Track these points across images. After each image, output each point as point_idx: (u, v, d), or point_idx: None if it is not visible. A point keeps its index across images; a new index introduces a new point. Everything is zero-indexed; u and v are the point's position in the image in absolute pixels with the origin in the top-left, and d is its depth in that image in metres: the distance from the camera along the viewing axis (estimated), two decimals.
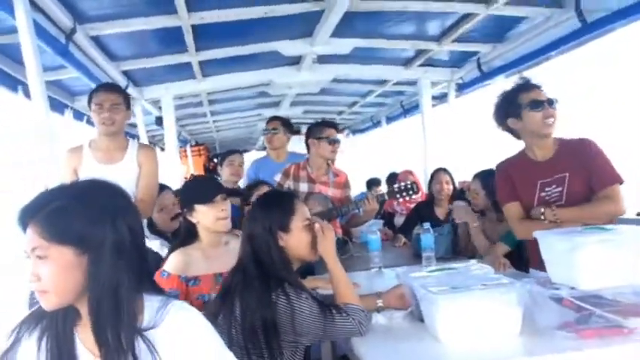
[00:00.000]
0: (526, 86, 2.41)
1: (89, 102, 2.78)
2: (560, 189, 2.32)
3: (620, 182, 2.25)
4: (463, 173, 5.00)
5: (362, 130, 9.50)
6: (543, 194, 2.36)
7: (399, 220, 5.10)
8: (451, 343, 1.58)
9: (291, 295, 1.66)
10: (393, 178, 6.32)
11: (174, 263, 2.13)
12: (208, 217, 2.18)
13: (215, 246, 2.23)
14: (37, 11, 2.62)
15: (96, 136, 2.85)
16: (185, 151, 9.75)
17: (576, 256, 1.48)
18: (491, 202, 3.15)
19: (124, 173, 2.75)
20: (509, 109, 2.41)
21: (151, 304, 1.22)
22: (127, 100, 2.85)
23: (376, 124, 8.40)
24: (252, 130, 9.34)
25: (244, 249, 1.83)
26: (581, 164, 2.28)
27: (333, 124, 3.61)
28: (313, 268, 2.74)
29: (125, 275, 1.17)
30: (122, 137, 2.88)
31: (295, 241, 1.84)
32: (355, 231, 4.13)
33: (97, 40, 3.44)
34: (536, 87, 2.40)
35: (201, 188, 2.25)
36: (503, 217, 3.13)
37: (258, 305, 1.65)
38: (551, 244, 1.64)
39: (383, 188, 6.10)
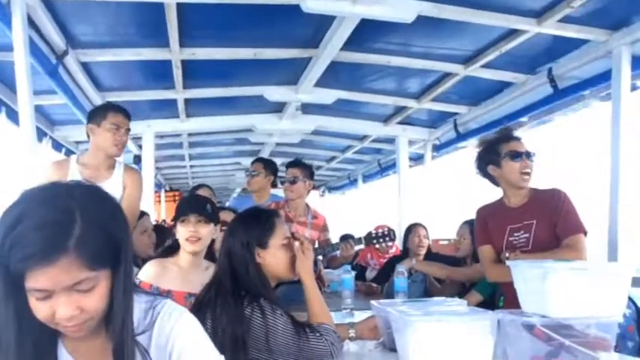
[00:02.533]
0: (508, 136, 2.54)
1: (99, 118, 2.74)
2: (527, 235, 2.39)
3: (584, 232, 2.33)
4: (436, 232, 5.08)
5: (338, 188, 9.59)
6: (511, 239, 2.43)
7: (370, 275, 5.09)
8: None
9: (266, 310, 1.64)
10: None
11: (148, 271, 2.10)
12: (180, 234, 2.18)
13: (193, 266, 2.21)
14: (32, 28, 2.65)
15: (86, 153, 2.84)
16: (159, 195, 9.65)
17: (547, 283, 1.51)
18: (475, 250, 3.19)
19: (111, 193, 2.72)
20: (490, 157, 2.51)
21: (138, 305, 1.13)
22: None
23: (353, 182, 8.50)
24: (229, 180, 9.32)
25: (221, 264, 1.82)
26: (549, 213, 2.36)
27: (290, 164, 3.68)
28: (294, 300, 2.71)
29: (131, 279, 1.11)
30: (112, 158, 2.88)
31: (273, 258, 1.83)
32: (327, 280, 4.11)
33: (86, 67, 3.48)
34: (517, 138, 2.53)
35: (183, 204, 2.25)
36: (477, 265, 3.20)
37: (229, 321, 1.63)
38: (522, 272, 1.67)
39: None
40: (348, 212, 9.24)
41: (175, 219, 2.21)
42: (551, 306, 1.52)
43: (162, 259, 2.21)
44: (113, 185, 2.78)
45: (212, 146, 6.51)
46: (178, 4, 2.73)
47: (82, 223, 0.95)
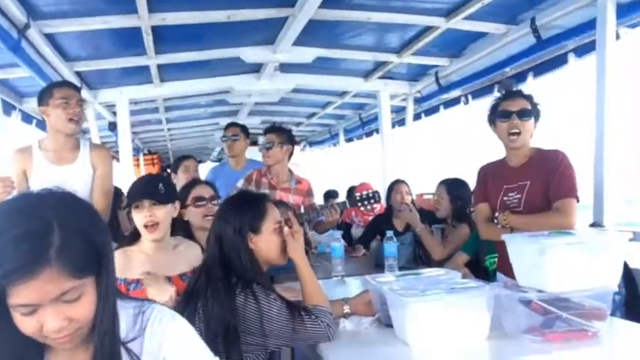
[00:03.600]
0: (503, 95, 2.46)
1: (46, 97, 2.61)
2: (519, 196, 2.35)
3: (575, 197, 2.27)
4: (421, 187, 5.09)
5: (319, 143, 9.52)
6: (505, 199, 2.39)
7: (356, 232, 5.12)
8: (420, 347, 1.57)
9: (259, 295, 1.61)
10: (352, 191, 6.36)
11: None
12: (136, 221, 2.05)
13: (160, 249, 2.09)
14: None
15: (47, 136, 2.71)
16: (138, 159, 9.49)
17: (544, 259, 1.50)
18: (454, 210, 3.21)
19: (78, 175, 2.63)
20: (490, 116, 2.47)
21: (125, 311, 1.10)
22: (83, 99, 2.77)
23: (334, 136, 8.43)
24: (208, 140, 9.19)
25: (211, 250, 1.77)
26: (544, 174, 2.31)
27: (268, 129, 3.55)
28: (272, 277, 2.68)
29: (114, 284, 1.08)
30: (75, 138, 2.75)
31: (265, 243, 1.80)
32: (314, 241, 4.10)
33: (51, 38, 3.29)
34: (510, 96, 2.42)
35: (133, 189, 2.11)
36: (459, 225, 3.22)
37: (220, 310, 1.60)
38: (519, 247, 1.66)
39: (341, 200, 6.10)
40: (332, 167, 9.23)
41: (128, 205, 2.08)
42: (548, 281, 1.51)
43: (125, 248, 2.08)
44: (81, 166, 2.67)
45: (189, 109, 6.36)
46: None
47: (61, 232, 0.92)
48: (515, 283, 1.66)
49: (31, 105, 4.57)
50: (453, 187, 3.36)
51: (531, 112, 2.35)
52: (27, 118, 4.78)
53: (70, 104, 2.62)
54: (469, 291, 1.58)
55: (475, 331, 1.58)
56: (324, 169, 9.40)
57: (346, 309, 1.93)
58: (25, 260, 0.88)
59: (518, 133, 2.35)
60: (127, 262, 2.04)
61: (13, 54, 2.88)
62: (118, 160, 5.10)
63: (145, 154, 9.93)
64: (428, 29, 3.83)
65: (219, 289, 1.63)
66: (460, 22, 3.59)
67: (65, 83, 2.80)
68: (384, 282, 1.81)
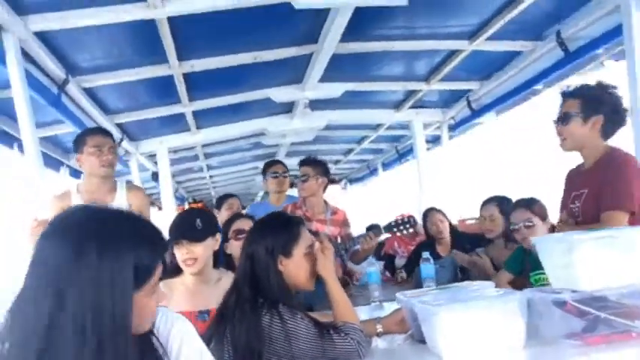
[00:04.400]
0: None
1: (80, 145, 2.79)
2: (579, 204, 2.23)
3: (620, 209, 2.05)
4: (461, 212, 5.00)
5: (360, 180, 9.52)
6: (572, 206, 2.28)
7: (399, 262, 5.03)
8: (453, 359, 1.51)
9: (284, 315, 1.61)
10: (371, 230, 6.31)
11: None
12: (177, 256, 2.11)
13: (201, 283, 2.14)
14: (29, 62, 2.67)
15: (83, 181, 2.86)
16: (183, 208, 9.73)
17: (573, 256, 1.44)
18: (507, 228, 3.05)
19: None
20: None
21: None
22: (116, 145, 2.97)
23: (373, 171, 8.43)
24: (250, 185, 9.36)
25: (242, 268, 1.78)
26: (601, 181, 2.14)
27: (301, 162, 3.60)
28: (311, 306, 2.67)
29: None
30: (112, 179, 2.89)
31: (295, 267, 1.80)
32: (357, 272, 4.06)
33: (90, 92, 3.49)
34: (562, 98, 2.33)
35: (173, 226, 2.16)
36: (511, 245, 3.09)
37: (246, 333, 1.60)
38: (548, 248, 1.60)
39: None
40: (372, 202, 9.18)
41: (170, 242, 2.13)
42: (580, 279, 1.45)
43: (168, 280, 2.14)
44: (118, 205, 2.78)
45: (227, 154, 6.52)
46: (170, 19, 2.70)
47: None
48: (549, 287, 1.59)
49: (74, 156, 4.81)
50: (504, 203, 3.22)
51: (571, 114, 2.21)
52: (75, 173, 5.00)
53: (102, 151, 2.79)
54: (500, 297, 1.53)
55: (510, 338, 1.52)
56: (365, 205, 9.35)
57: (379, 328, 1.90)
58: None
59: (563, 139, 2.28)
60: (168, 294, 2.08)
61: (55, 108, 3.06)
62: (160, 208, 5.26)
63: (189, 203, 10.18)
64: (453, 53, 3.84)
65: (246, 311, 1.64)
66: (483, 44, 3.59)
67: (97, 130, 2.94)
68: (415, 296, 1.77)
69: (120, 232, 1.03)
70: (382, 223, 4.45)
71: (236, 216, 2.92)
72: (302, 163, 3.57)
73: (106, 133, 2.92)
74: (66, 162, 4.75)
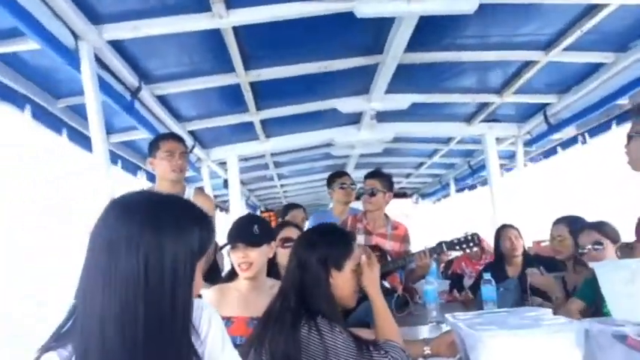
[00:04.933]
0: None
1: (154, 150, 2.90)
2: None
3: None
4: (535, 234, 4.72)
5: (431, 195, 9.30)
6: None
7: (468, 282, 4.83)
8: None
9: (322, 328, 1.57)
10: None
11: (207, 299, 2.08)
12: (232, 260, 2.14)
13: (254, 289, 2.15)
14: (103, 69, 2.82)
15: (154, 185, 2.96)
16: None
17: (636, 285, 1.30)
18: (575, 251, 2.87)
19: None
20: None
21: None
22: (188, 150, 3.06)
23: (445, 186, 8.21)
24: (320, 197, 9.38)
25: (291, 275, 1.76)
26: None
27: (367, 175, 3.55)
28: (368, 324, 2.60)
29: None
30: (182, 184, 2.99)
31: (343, 282, 1.77)
32: (419, 291, 3.93)
33: (162, 100, 3.63)
34: (634, 117, 2.19)
35: (231, 230, 2.19)
36: (579, 269, 2.88)
37: (284, 342, 1.57)
38: (609, 276, 1.45)
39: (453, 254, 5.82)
40: (443, 219, 8.93)
41: (227, 244, 2.17)
42: None
43: (222, 284, 2.18)
44: None
45: (297, 164, 6.57)
46: (235, 28, 2.76)
47: None
48: (610, 318, 1.44)
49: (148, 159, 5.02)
50: (574, 224, 3.00)
51: (633, 134, 2.07)
52: (151, 177, 5.22)
53: (174, 156, 2.88)
54: (554, 326, 1.40)
55: None
56: (435, 221, 9.11)
57: (427, 350, 1.81)
58: None
59: (629, 159, 2.11)
60: (221, 299, 2.12)
61: (128, 114, 3.21)
62: (227, 211, 5.39)
63: (262, 212, 10.36)
64: (528, 64, 3.66)
65: (286, 321, 1.61)
66: (560, 54, 3.39)
67: (170, 136, 3.06)
68: (464, 318, 1.67)
69: (187, 211, 1.13)
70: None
71: (284, 224, 2.93)
72: (369, 176, 3.51)
73: (179, 138, 3.03)
74: (143, 166, 4.96)
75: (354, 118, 4.75)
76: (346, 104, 4.23)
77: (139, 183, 5.03)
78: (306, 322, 1.59)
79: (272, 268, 2.44)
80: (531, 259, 3.76)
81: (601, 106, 3.90)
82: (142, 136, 4.13)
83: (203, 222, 1.12)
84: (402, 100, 4.16)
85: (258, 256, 2.13)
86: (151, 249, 1.02)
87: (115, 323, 0.99)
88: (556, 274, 3.20)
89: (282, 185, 7.95)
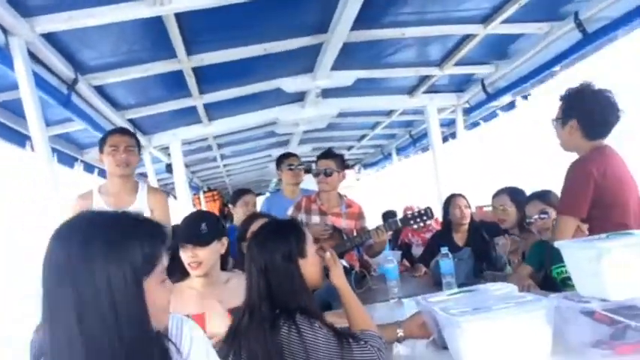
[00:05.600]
0: None
1: (101, 145, 2.83)
2: None
3: (561, 213, 2.23)
4: (478, 200, 4.92)
5: (373, 164, 9.45)
6: None
7: (417, 251, 4.99)
8: None
9: (302, 326, 1.57)
10: (386, 216, 6.31)
11: None
12: (183, 260, 2.10)
13: (209, 285, 2.13)
14: (37, 63, 2.64)
15: (106, 181, 2.88)
16: (198, 197, 9.77)
17: (602, 265, 1.38)
18: (520, 218, 3.05)
19: None
20: None
21: None
22: (138, 144, 2.94)
23: (387, 156, 8.35)
24: (264, 173, 9.34)
25: (256, 284, 1.71)
26: None
27: (321, 155, 3.55)
28: (330, 304, 2.64)
29: None
30: (133, 180, 2.93)
31: (310, 266, 1.77)
32: (373, 263, 4.03)
33: (100, 90, 3.46)
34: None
35: (178, 230, 2.16)
36: (525, 235, 3.05)
37: (264, 347, 1.56)
38: (574, 254, 1.54)
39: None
40: (387, 188, 9.12)
41: (175, 244, 2.13)
42: (609, 289, 1.39)
43: (176, 283, 2.14)
44: (139, 207, 2.80)
45: (241, 144, 6.49)
46: (177, 15, 2.65)
47: None
48: (575, 293, 1.53)
49: (91, 155, 4.82)
50: (515, 194, 3.20)
51: (553, 119, 2.33)
52: (89, 167, 5.02)
53: (118, 150, 2.80)
54: (526, 305, 1.48)
55: (536, 347, 1.47)
56: (379, 190, 9.30)
57: (400, 332, 1.86)
58: None
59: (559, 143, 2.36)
60: (178, 298, 2.07)
61: (65, 108, 3.04)
62: (175, 197, 5.28)
63: (204, 192, 10.20)
64: (467, 37, 3.74)
65: (264, 328, 1.59)
66: (499, 27, 3.48)
67: (116, 131, 2.97)
68: (436, 302, 1.73)
69: (122, 228, 1.09)
70: (399, 212, 4.44)
71: (254, 216, 2.90)
72: (323, 157, 3.50)
73: (124, 132, 2.95)
74: (80, 157, 4.76)
75: (298, 97, 4.71)
76: (291, 84, 4.18)
77: (76, 175, 4.84)
78: (285, 322, 1.58)
79: (226, 261, 2.42)
80: (477, 226, 3.92)
81: (536, 74, 4.05)
82: (78, 127, 3.94)
83: (143, 235, 1.10)
84: (347, 77, 4.16)
85: (208, 254, 2.11)
86: (80, 275, 1.01)
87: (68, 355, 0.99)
88: (498, 239, 3.39)
89: (225, 165, 7.83)
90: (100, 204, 2.77)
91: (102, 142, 2.86)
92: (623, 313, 1.39)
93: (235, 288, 2.14)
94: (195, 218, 2.24)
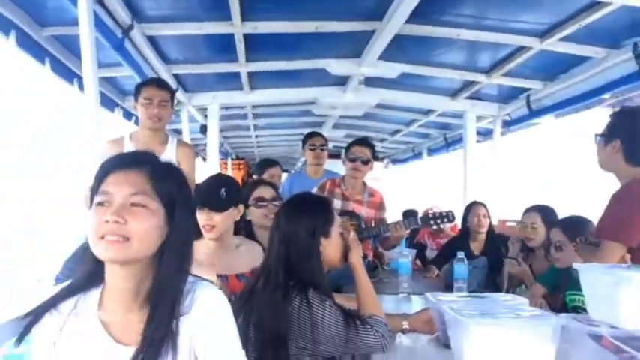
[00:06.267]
0: None
1: (136, 94, 2.86)
2: None
3: (605, 238, 2.04)
4: (503, 212, 4.88)
5: (402, 161, 9.42)
6: None
7: (430, 254, 4.99)
8: None
9: (313, 302, 1.61)
10: (407, 214, 6.29)
11: None
12: (199, 221, 2.12)
13: (220, 248, 2.16)
14: (98, 4, 2.70)
15: (138, 129, 2.91)
16: (226, 163, 9.88)
17: (619, 291, 1.39)
18: (546, 239, 3.00)
19: None
20: None
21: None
22: (173, 98, 2.93)
23: (417, 155, 8.32)
24: (293, 150, 9.38)
25: (275, 251, 1.74)
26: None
27: (361, 142, 3.51)
28: (340, 285, 2.67)
29: (190, 251, 1.22)
30: (163, 133, 2.95)
31: (333, 247, 1.80)
32: (387, 256, 4.05)
33: (152, 41, 3.51)
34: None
35: (198, 192, 2.18)
36: (550, 257, 3.01)
37: (273, 317, 1.60)
38: (593, 277, 1.54)
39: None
40: (413, 185, 9.07)
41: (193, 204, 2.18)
42: (622, 316, 1.39)
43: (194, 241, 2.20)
44: (167, 159, 2.83)
45: (276, 117, 6.53)
46: None
47: (155, 164, 1.21)
48: (586, 316, 1.54)
49: (132, 103, 4.90)
50: (548, 213, 3.12)
51: (597, 135, 2.21)
52: (128, 115, 5.10)
53: (152, 104, 2.81)
54: (534, 318, 1.49)
55: None
56: (405, 186, 9.24)
57: (405, 325, 1.89)
58: (123, 161, 1.16)
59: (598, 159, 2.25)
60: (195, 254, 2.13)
61: (117, 53, 3.11)
62: (205, 159, 5.36)
63: (232, 159, 10.31)
64: (520, 49, 3.69)
65: (277, 296, 1.63)
66: (555, 44, 3.43)
67: (152, 82, 2.95)
68: (445, 300, 1.75)
69: None
70: (420, 212, 4.44)
71: (258, 182, 2.91)
72: (361, 144, 3.50)
73: (161, 85, 2.92)
74: (121, 103, 4.85)
75: (341, 80, 4.72)
76: (336, 66, 4.18)
77: (115, 120, 4.94)
78: (298, 295, 1.62)
79: (245, 227, 2.46)
80: (494, 238, 3.91)
81: (584, 99, 3.98)
82: (123, 73, 4.01)
83: None
84: (393, 69, 4.15)
85: (223, 219, 2.14)
86: None
87: None
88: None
89: (256, 136, 7.90)
90: (130, 150, 2.82)
91: (137, 91, 2.86)
92: (631, 343, 1.39)
93: (245, 253, 2.20)
94: (215, 183, 2.26)
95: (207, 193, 2.18)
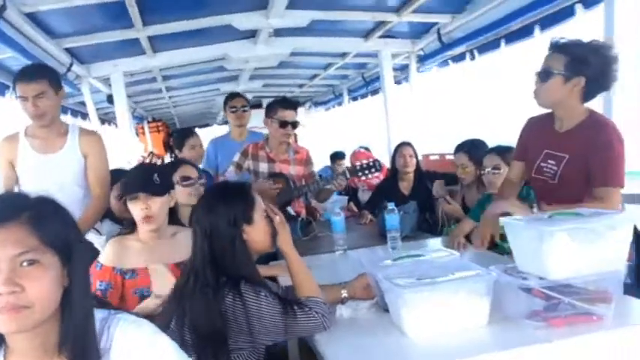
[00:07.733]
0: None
1: (14, 90, 2.52)
2: (556, 168, 2.13)
3: (619, 186, 1.99)
4: (425, 147, 4.99)
5: (324, 103, 9.36)
6: (543, 165, 2.17)
7: (363, 196, 5.05)
8: (417, 336, 1.52)
9: (246, 295, 1.55)
10: (334, 158, 6.37)
11: (108, 254, 1.99)
12: (133, 212, 2.02)
13: (156, 239, 2.07)
14: None
15: (31, 124, 2.61)
16: (142, 127, 9.45)
17: (544, 246, 1.42)
18: (479, 175, 3.10)
19: (65, 163, 2.55)
20: None
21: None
22: (54, 82, 2.51)
23: (338, 96, 8.28)
24: (211, 105, 9.09)
25: (199, 248, 1.66)
26: (585, 152, 2.03)
27: (289, 104, 3.36)
28: (275, 254, 2.64)
29: (90, 289, 1.07)
30: (59, 123, 2.64)
31: (258, 232, 1.72)
32: (319, 207, 4.05)
33: (32, 17, 3.17)
34: (551, 50, 2.12)
35: (129, 180, 2.07)
36: (483, 189, 3.12)
37: (208, 316, 1.54)
38: (517, 232, 1.57)
39: (347, 162, 6.00)
40: (337, 128, 9.09)
41: (123, 195, 2.04)
42: (549, 269, 1.44)
43: (121, 237, 2.07)
44: (69, 153, 2.58)
45: (188, 77, 6.23)
46: None
47: (38, 205, 0.99)
48: (515, 267, 1.58)
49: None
50: (474, 150, 3.20)
51: (553, 71, 2.03)
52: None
53: (27, 101, 2.46)
54: (467, 279, 1.52)
55: (474, 318, 1.53)
56: (330, 130, 9.26)
57: (344, 293, 1.87)
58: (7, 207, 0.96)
59: (539, 95, 2.12)
60: (124, 252, 2.03)
61: None
62: (117, 126, 5.10)
63: (149, 122, 9.88)
64: None
65: (208, 294, 1.55)
66: None
67: (22, 76, 2.49)
68: (381, 267, 1.75)
69: None
70: (347, 150, 4.44)
71: (180, 162, 2.80)
72: (290, 106, 3.34)
73: (31, 78, 2.45)
74: (11, 85, 4.42)
75: (250, 33, 4.50)
76: (243, 20, 3.97)
77: (9, 103, 4.52)
78: (230, 291, 1.56)
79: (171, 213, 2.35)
80: (423, 177, 3.99)
81: (493, 28, 4.03)
82: (9, 54, 3.63)
83: None
84: (302, 17, 3.99)
85: (161, 206, 2.04)
86: None
87: None
88: (451, 188, 3.47)
89: (170, 97, 7.56)
90: (25, 149, 2.55)
91: (13, 87, 2.51)
92: (559, 290, 1.44)
93: (182, 241, 2.10)
94: (147, 169, 2.17)
95: (141, 180, 2.06)
